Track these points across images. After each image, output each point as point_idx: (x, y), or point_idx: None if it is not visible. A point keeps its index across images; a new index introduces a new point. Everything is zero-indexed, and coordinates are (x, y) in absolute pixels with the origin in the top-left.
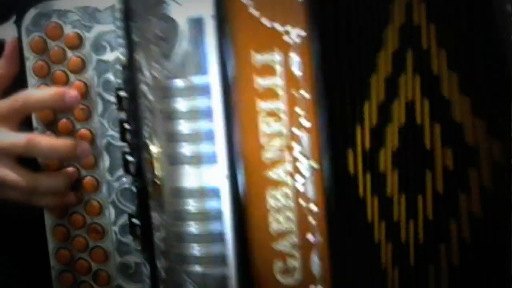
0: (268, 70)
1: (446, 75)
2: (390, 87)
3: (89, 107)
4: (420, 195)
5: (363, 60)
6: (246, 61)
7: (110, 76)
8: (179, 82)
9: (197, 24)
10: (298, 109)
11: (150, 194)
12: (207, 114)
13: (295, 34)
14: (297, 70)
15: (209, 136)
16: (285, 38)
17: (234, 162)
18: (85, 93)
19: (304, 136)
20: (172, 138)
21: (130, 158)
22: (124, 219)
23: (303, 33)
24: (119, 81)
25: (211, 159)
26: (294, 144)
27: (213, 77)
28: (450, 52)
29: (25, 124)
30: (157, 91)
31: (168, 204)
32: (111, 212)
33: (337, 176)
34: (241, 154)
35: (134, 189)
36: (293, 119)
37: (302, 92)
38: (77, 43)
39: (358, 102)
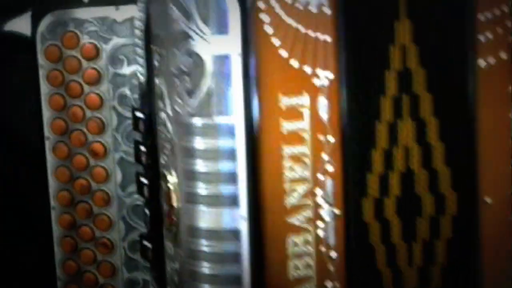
0: (295, 113)
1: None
2: (391, 132)
3: (103, 121)
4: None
5: (370, 105)
6: (272, 103)
7: (126, 91)
8: (201, 121)
9: (223, 62)
10: (323, 154)
11: (165, 223)
12: (229, 155)
13: (323, 76)
14: (324, 114)
15: (230, 178)
16: (314, 80)
17: (255, 205)
18: (100, 106)
19: (328, 182)
20: (190, 176)
21: (144, 180)
22: (134, 235)
23: (331, 76)
24: (136, 96)
25: (230, 200)
26: (317, 190)
27: (237, 118)
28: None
29: (37, 134)
30: (177, 125)
31: (183, 241)
32: (121, 227)
33: (356, 223)
34: (263, 198)
35: (147, 211)
36: (318, 165)
37: (328, 136)
38: (94, 54)
39: (368, 149)
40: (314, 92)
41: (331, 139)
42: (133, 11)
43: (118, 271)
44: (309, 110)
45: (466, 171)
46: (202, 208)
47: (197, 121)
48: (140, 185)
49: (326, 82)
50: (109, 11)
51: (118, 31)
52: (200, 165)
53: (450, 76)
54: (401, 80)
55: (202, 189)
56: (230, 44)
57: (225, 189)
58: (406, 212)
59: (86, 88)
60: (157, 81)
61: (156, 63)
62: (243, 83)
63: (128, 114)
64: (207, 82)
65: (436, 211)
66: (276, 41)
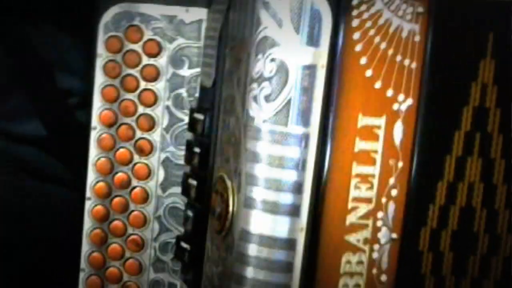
0: (369, 134)
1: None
2: (459, 167)
3: (154, 118)
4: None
5: (444, 138)
6: (349, 121)
7: (183, 92)
8: (275, 127)
9: (309, 73)
10: (390, 178)
11: (211, 224)
12: (297, 165)
13: (403, 102)
14: (398, 139)
15: (294, 187)
16: (394, 105)
17: (316, 218)
18: (153, 103)
19: (390, 206)
20: (252, 181)
21: (192, 181)
22: (166, 236)
23: (411, 102)
24: (192, 99)
25: (291, 210)
26: (379, 213)
27: (313, 130)
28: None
29: (84, 123)
30: (247, 129)
31: (233, 244)
32: (155, 227)
33: (411, 251)
34: (325, 212)
35: (190, 213)
36: (384, 188)
37: (398, 162)
38: (156, 52)
39: (434, 179)
40: (392, 116)
41: (401, 164)
42: (203, 14)
43: (145, 270)
44: (384, 132)
45: None
46: (260, 213)
47: (271, 127)
48: (186, 186)
49: (404, 108)
50: (178, 11)
51: (184, 32)
52: (265, 171)
53: None
54: (477, 117)
55: (263, 195)
56: (318, 57)
57: (287, 198)
58: (460, 247)
59: (142, 84)
60: (226, 84)
61: (228, 66)
62: (324, 96)
63: (181, 116)
64: (289, 91)
65: (489, 251)
66: (363, 60)
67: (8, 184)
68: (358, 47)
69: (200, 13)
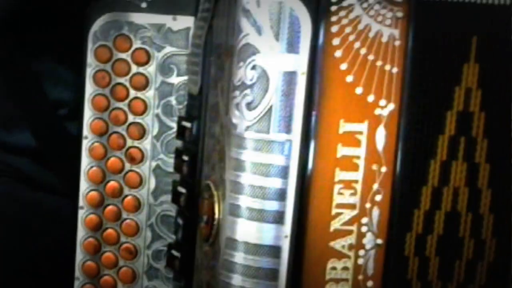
0: (352, 139)
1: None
2: (444, 172)
3: (144, 127)
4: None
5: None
6: (331, 127)
7: (172, 100)
8: (257, 135)
9: (289, 80)
10: (374, 184)
11: (200, 232)
12: (280, 172)
13: (385, 107)
14: (380, 144)
15: (278, 195)
16: (376, 110)
17: (300, 225)
18: (143, 112)
19: (374, 212)
20: (237, 189)
21: (181, 189)
22: (159, 244)
23: (393, 107)
24: (181, 107)
25: (275, 217)
26: (363, 218)
27: (294, 137)
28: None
29: (75, 133)
30: (231, 137)
31: (220, 252)
32: (148, 235)
33: (396, 256)
34: (309, 219)
35: (180, 221)
36: (368, 193)
37: (382, 167)
38: (144, 60)
39: (418, 185)
40: (374, 121)
41: (384, 169)
42: (190, 22)
43: (138, 278)
44: (366, 138)
45: (509, 219)
46: (245, 221)
47: (253, 135)
48: (176, 193)
49: (387, 113)
50: (166, 19)
51: (172, 40)
52: (249, 179)
53: (508, 123)
54: (461, 122)
55: (247, 202)
56: (298, 63)
57: (271, 205)
58: (446, 252)
59: (132, 92)
60: (212, 91)
61: (213, 73)
62: (305, 103)
63: (171, 124)
64: (270, 98)
65: (475, 256)
66: (343, 66)
67: (2, 193)
68: (338, 53)
69: (187, 21)
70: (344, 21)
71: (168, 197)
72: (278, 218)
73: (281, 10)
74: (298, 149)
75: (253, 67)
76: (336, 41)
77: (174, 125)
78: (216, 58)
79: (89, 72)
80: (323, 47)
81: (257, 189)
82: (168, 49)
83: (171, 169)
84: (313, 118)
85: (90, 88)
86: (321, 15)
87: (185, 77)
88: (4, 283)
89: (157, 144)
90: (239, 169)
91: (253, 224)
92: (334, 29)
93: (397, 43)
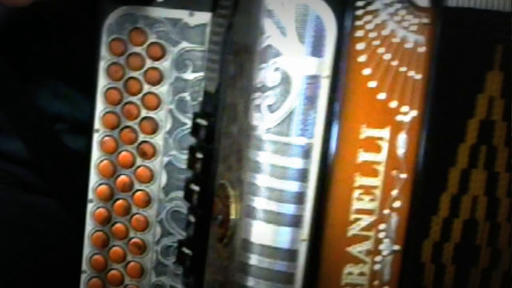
0: (373, 145)
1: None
2: (463, 180)
3: (157, 122)
4: None
5: (448, 150)
6: (353, 132)
7: (187, 96)
8: (278, 138)
9: (312, 83)
10: (393, 190)
11: (213, 231)
12: (299, 176)
13: (407, 113)
14: (401, 151)
15: (296, 198)
16: (397, 116)
17: (318, 229)
18: (156, 107)
19: (393, 218)
20: (254, 191)
21: (194, 187)
22: (168, 240)
23: (415, 114)
24: (195, 103)
25: (293, 221)
26: (381, 224)
27: (315, 141)
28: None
29: (86, 125)
30: (250, 139)
31: (234, 253)
32: (157, 231)
33: (413, 263)
34: (327, 224)
35: (192, 218)
36: (386, 199)
37: (401, 173)
38: (159, 55)
39: (437, 192)
40: (395, 127)
41: (404, 176)
42: (207, 18)
43: (146, 273)
44: (387, 144)
45: None
46: (261, 223)
47: (273, 138)
48: (188, 191)
49: (408, 119)
50: (182, 14)
51: (188, 36)
52: (267, 181)
53: None
54: (483, 130)
55: (264, 205)
56: (322, 67)
57: (289, 208)
58: (462, 260)
59: (146, 87)
60: (230, 91)
61: (232, 72)
62: (327, 107)
63: (184, 120)
64: (292, 101)
65: (490, 264)
66: (367, 71)
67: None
68: (362, 58)
69: (204, 17)
70: (369, 26)
71: (178, 193)
72: (296, 222)
73: (306, 12)
74: (319, 153)
75: (276, 69)
76: (360, 46)
77: (187, 121)
78: (235, 56)
79: (103, 65)
80: (347, 51)
81: (275, 192)
82: (184, 45)
83: (183, 165)
84: (335, 123)
85: (103, 81)
86: (346, 19)
87: (201, 73)
88: (12, 277)
89: (170, 139)
90: (257, 170)
91: (269, 227)
92: (359, 33)
93: (422, 49)
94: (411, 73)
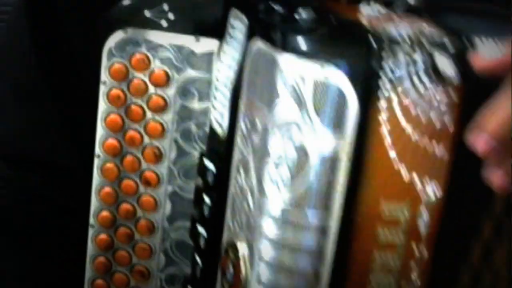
0: (392, 220)
1: None
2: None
3: (161, 150)
4: None
5: (471, 227)
6: (372, 207)
7: (192, 126)
8: (291, 212)
9: (330, 160)
10: (412, 263)
11: (220, 283)
12: (312, 254)
13: (430, 189)
14: (422, 226)
15: (308, 276)
16: (420, 192)
17: None
18: (160, 135)
19: None
20: (264, 260)
21: (201, 229)
22: (173, 269)
23: (437, 189)
24: (201, 133)
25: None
26: None
27: (332, 217)
28: None
29: (88, 149)
30: (262, 207)
31: None
32: (161, 259)
33: None
34: None
35: (198, 259)
36: (405, 274)
37: (421, 248)
38: (164, 82)
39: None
40: (416, 202)
41: (424, 251)
42: (214, 46)
43: None
44: (407, 219)
45: None
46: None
47: (288, 213)
48: (195, 232)
49: (430, 195)
50: (187, 41)
51: (194, 63)
52: (279, 255)
53: None
54: (507, 205)
55: (275, 278)
56: (342, 143)
57: (301, 285)
58: None
59: (149, 114)
60: (242, 146)
61: (243, 127)
62: (345, 183)
63: (189, 150)
64: (309, 177)
65: None
66: (389, 146)
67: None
68: (384, 131)
69: (211, 44)
70: (394, 101)
71: (184, 223)
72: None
73: (327, 87)
74: (335, 232)
75: (292, 142)
76: (383, 120)
77: (193, 151)
78: (247, 109)
79: (103, 90)
80: (369, 127)
81: (286, 267)
82: (189, 72)
83: (188, 195)
84: (353, 199)
85: (103, 106)
86: (369, 95)
87: (207, 103)
88: None
89: (174, 169)
90: (268, 242)
91: (283, 278)
92: (383, 109)
93: (449, 126)
94: (435, 149)
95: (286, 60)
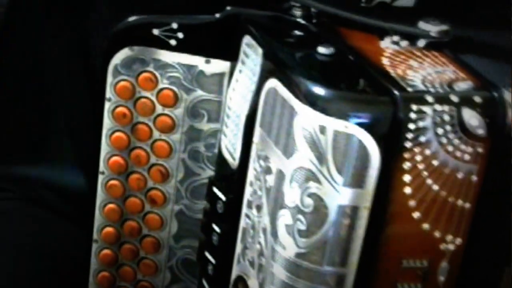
0: (412, 276)
1: None
2: None
3: (168, 170)
4: None
5: (490, 277)
6: (392, 263)
7: (201, 147)
8: (308, 264)
9: (350, 214)
10: None
11: None
12: None
13: (451, 242)
14: (442, 277)
15: None
16: (441, 245)
17: None
18: (167, 155)
19: None
20: None
21: (209, 256)
22: (178, 286)
23: (459, 242)
24: (210, 154)
25: None
26: None
27: (350, 270)
28: None
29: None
30: (276, 255)
31: None
32: (167, 276)
33: None
34: None
35: (206, 285)
36: None
37: None
38: (172, 102)
39: None
40: (438, 256)
41: None
42: (225, 67)
43: None
44: (428, 273)
45: None
46: None
47: (303, 263)
48: (202, 257)
49: (452, 247)
50: (197, 61)
51: (203, 84)
52: None
53: None
54: None
55: None
56: (362, 198)
57: None
58: None
59: (156, 133)
60: (254, 182)
61: (257, 164)
62: (364, 238)
63: (197, 170)
64: (326, 231)
65: None
66: (412, 203)
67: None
68: (407, 190)
69: (221, 66)
70: (418, 158)
71: (190, 242)
72: None
73: (348, 141)
74: (352, 284)
75: (310, 195)
76: (407, 178)
77: (201, 171)
78: (261, 146)
79: (108, 106)
80: (391, 184)
81: None
82: (199, 93)
83: (195, 215)
84: (372, 253)
85: (108, 124)
86: (393, 151)
87: (216, 125)
88: None
89: (181, 189)
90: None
91: None
92: (406, 166)
93: (474, 178)
94: (460, 202)
95: (305, 111)
